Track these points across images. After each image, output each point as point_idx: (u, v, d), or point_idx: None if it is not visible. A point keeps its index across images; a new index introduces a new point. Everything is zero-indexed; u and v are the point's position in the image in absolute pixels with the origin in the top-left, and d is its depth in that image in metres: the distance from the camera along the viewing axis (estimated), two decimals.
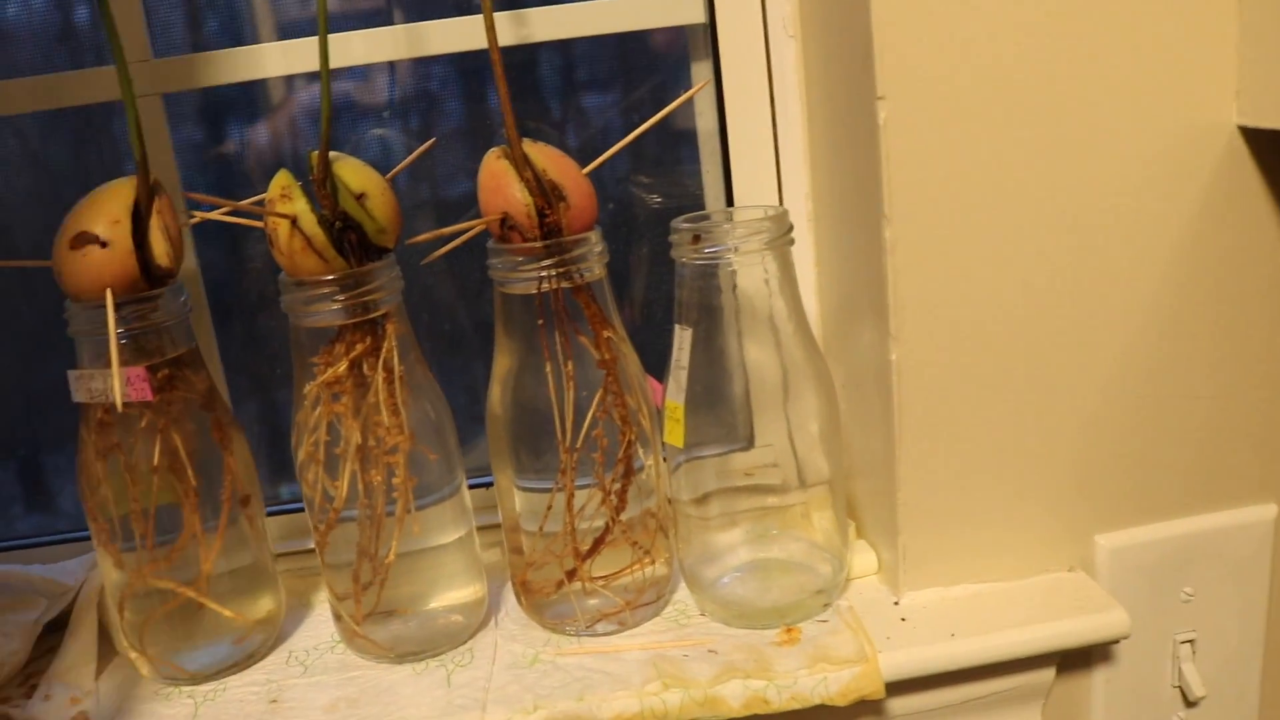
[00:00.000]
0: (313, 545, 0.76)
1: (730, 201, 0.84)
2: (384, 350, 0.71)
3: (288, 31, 0.97)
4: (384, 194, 0.70)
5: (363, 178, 0.70)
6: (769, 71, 0.80)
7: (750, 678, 0.68)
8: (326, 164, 0.68)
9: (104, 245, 0.69)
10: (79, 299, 0.70)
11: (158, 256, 0.71)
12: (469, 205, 0.81)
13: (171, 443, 0.72)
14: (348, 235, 0.69)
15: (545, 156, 0.71)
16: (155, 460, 0.72)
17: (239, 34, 0.95)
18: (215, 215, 0.74)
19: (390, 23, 0.83)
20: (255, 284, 0.96)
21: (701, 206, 0.89)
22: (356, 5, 1.05)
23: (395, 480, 0.72)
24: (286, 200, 0.68)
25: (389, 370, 0.71)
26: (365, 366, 0.71)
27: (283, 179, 0.69)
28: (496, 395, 0.75)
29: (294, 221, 0.67)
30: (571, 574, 0.74)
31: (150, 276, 0.71)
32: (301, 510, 0.90)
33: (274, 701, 0.72)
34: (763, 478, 0.80)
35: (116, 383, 0.66)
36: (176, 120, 0.90)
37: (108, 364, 0.70)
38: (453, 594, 0.76)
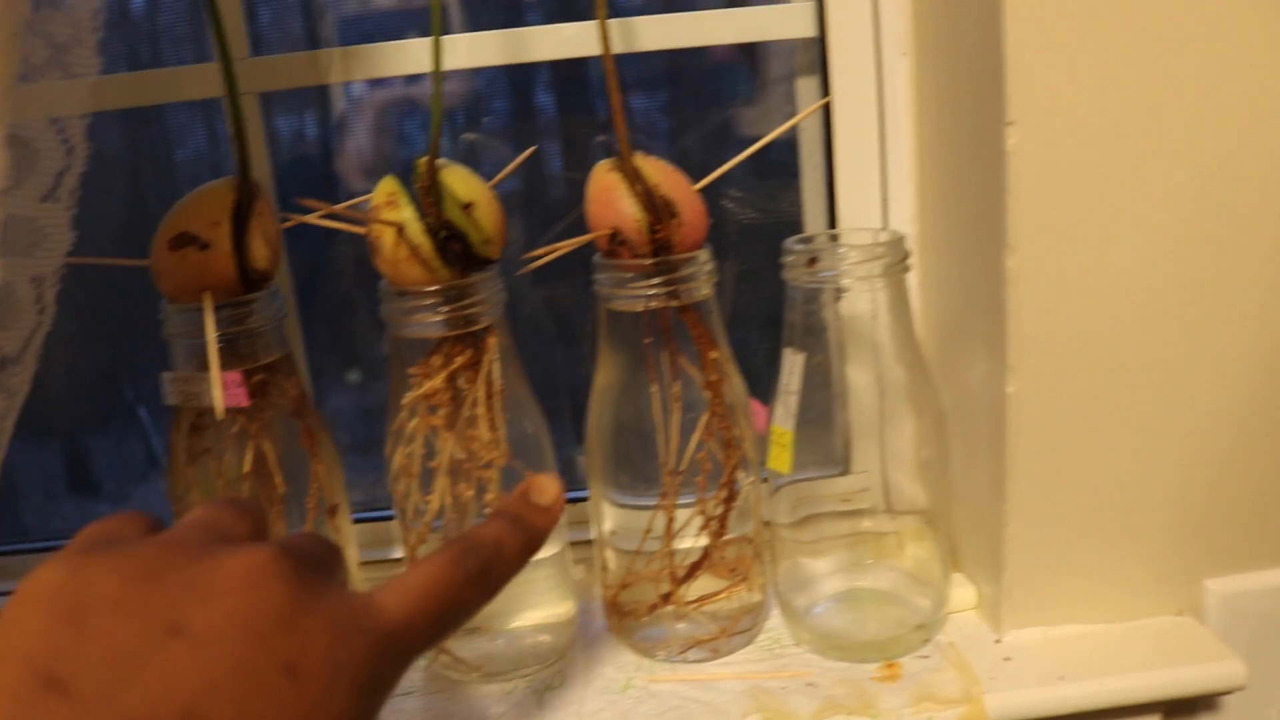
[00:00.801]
0: (399, 555, 0.74)
1: (832, 222, 0.81)
2: (484, 364, 0.68)
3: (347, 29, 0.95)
4: (490, 204, 0.67)
5: (470, 187, 0.66)
6: (879, 89, 0.76)
7: (854, 715, 0.64)
8: (434, 171, 0.65)
9: (204, 247, 0.66)
10: (176, 300, 0.67)
11: (256, 260, 0.68)
12: (512, 207, 0.77)
13: (262, 449, 0.69)
14: (452, 245, 0.66)
15: (657, 170, 0.68)
16: (247, 466, 0.69)
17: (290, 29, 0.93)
18: (313, 219, 0.71)
19: (439, 24, 0.79)
20: (338, 287, 0.93)
21: (795, 224, 0.86)
22: (410, 3, 1.03)
23: (488, 497, 0.69)
24: (392, 207, 0.65)
25: (489, 384, 0.68)
26: (464, 380, 0.68)
27: (389, 185, 0.66)
28: (597, 411, 0.72)
29: (400, 229, 0.64)
30: (667, 597, 0.71)
31: (247, 280, 0.68)
32: (384, 519, 0.87)
33: None
34: (858, 503, 0.77)
35: (217, 389, 0.63)
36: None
37: (203, 367, 0.67)
38: (542, 612, 0.73)
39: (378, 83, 0.99)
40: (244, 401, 0.66)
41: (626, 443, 0.71)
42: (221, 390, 0.64)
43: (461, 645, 0.72)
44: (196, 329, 0.66)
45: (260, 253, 0.68)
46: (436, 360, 0.68)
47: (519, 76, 1.03)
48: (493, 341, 0.68)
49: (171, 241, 0.66)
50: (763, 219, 0.89)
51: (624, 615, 0.74)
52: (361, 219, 0.66)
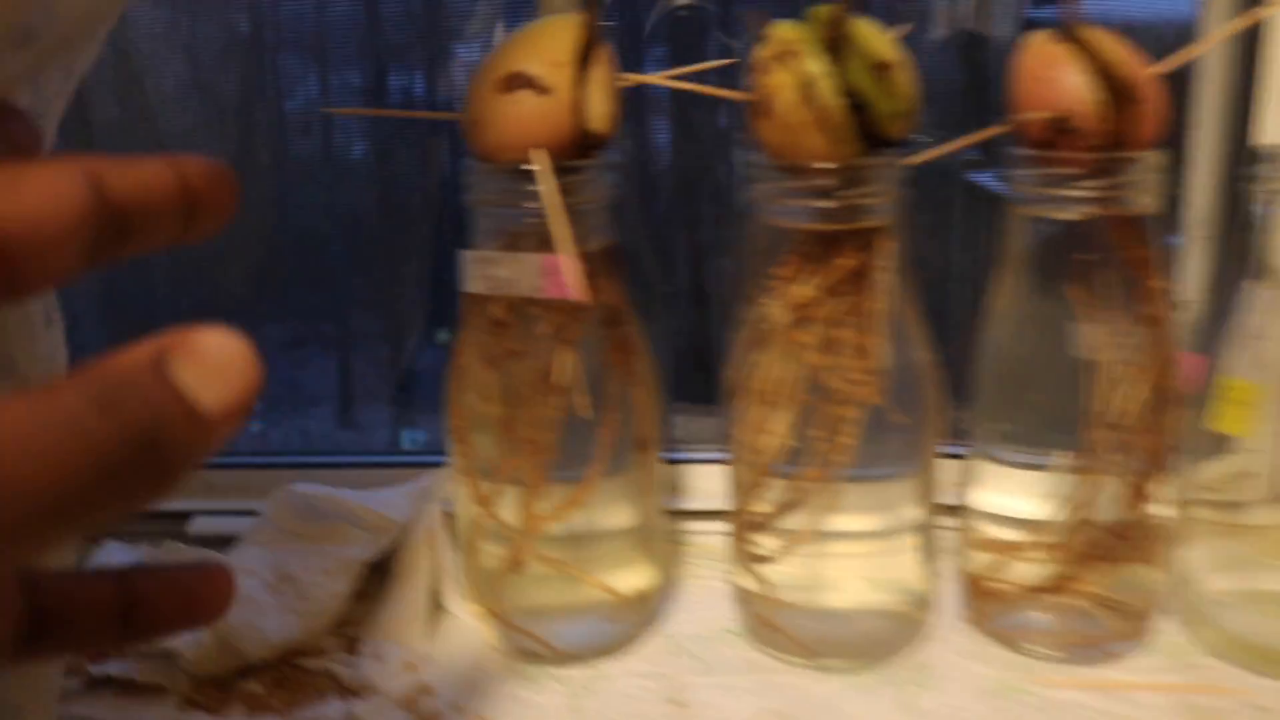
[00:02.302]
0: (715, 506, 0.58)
1: (1237, 138, 0.64)
2: (872, 273, 0.52)
3: None
4: (907, 69, 0.51)
5: (885, 44, 0.50)
6: None
7: None
8: (843, 20, 0.49)
9: (543, 92, 0.50)
10: (494, 157, 0.51)
11: (594, 119, 0.52)
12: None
13: (570, 359, 0.54)
14: (855, 115, 0.50)
15: (1113, 45, 0.51)
16: (560, 377, 0.53)
17: None
18: (660, 79, 0.55)
19: None
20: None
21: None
22: None
23: (840, 439, 0.53)
24: (792, 59, 0.49)
25: (873, 301, 0.52)
26: (841, 291, 0.52)
27: (789, 32, 0.49)
28: (995, 346, 0.56)
29: (807, 86, 0.48)
30: (1060, 581, 0.55)
31: (582, 141, 0.52)
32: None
33: (676, 704, 0.53)
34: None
35: (571, 269, 0.47)
36: None
37: (514, 246, 0.51)
38: (888, 592, 0.57)
39: None
40: (584, 295, 0.50)
41: (1027, 387, 0.55)
42: (574, 273, 0.47)
43: (791, 620, 0.56)
44: (514, 195, 0.51)
45: (601, 109, 0.52)
46: (809, 262, 0.52)
47: None
48: (885, 245, 0.52)
49: (503, 82, 0.50)
50: None
51: (990, 598, 0.58)
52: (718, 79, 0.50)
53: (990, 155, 0.70)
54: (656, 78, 0.55)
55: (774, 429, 0.54)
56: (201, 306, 0.75)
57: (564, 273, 0.50)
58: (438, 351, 0.80)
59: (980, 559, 0.57)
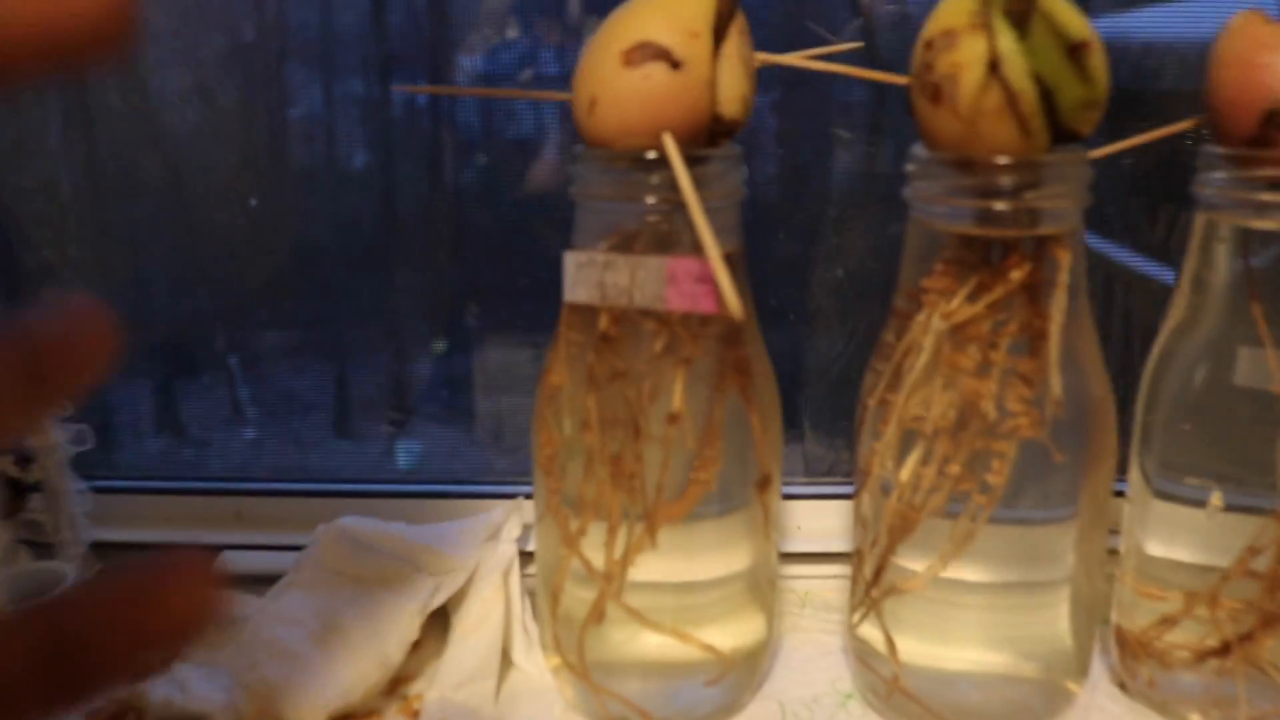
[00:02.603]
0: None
1: None
2: (1050, 288, 0.44)
3: None
4: (1101, 51, 0.43)
5: (1080, 21, 0.42)
6: None
7: None
8: None
9: (676, 66, 0.41)
10: (612, 141, 0.43)
11: (727, 101, 0.43)
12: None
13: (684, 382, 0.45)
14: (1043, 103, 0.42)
15: None
16: (677, 403, 0.45)
17: None
18: (800, 60, 0.47)
19: None
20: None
21: None
22: None
23: (989, 476, 0.45)
24: (978, 34, 0.41)
25: (1045, 320, 0.44)
26: (1009, 306, 0.44)
27: (972, 3, 0.41)
28: (1178, 368, 0.48)
29: (994, 65, 0.40)
30: (1236, 644, 0.47)
31: (712, 128, 0.44)
32: None
33: None
34: None
35: (723, 276, 0.38)
36: None
37: (625, 248, 0.43)
38: (1034, 655, 0.49)
39: None
40: (726, 308, 0.42)
41: (1206, 419, 0.47)
42: (714, 282, 0.39)
43: (921, 683, 0.48)
44: (634, 187, 0.42)
45: (736, 89, 0.44)
46: (972, 273, 0.44)
47: None
48: (1064, 256, 0.44)
49: (629, 54, 0.41)
50: None
51: (1152, 661, 0.50)
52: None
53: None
54: (795, 57, 0.47)
55: (911, 462, 0.46)
56: (198, 314, 0.67)
57: (697, 280, 0.41)
58: (436, 362, 0.73)
59: (1141, 615, 0.50)
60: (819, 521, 0.61)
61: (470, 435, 0.70)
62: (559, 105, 0.63)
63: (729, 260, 0.44)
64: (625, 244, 0.44)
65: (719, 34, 0.43)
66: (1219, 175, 0.45)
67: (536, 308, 0.64)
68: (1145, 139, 0.47)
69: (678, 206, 0.43)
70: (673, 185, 0.41)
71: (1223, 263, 0.47)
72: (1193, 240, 0.47)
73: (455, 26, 0.62)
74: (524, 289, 0.66)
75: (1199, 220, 0.47)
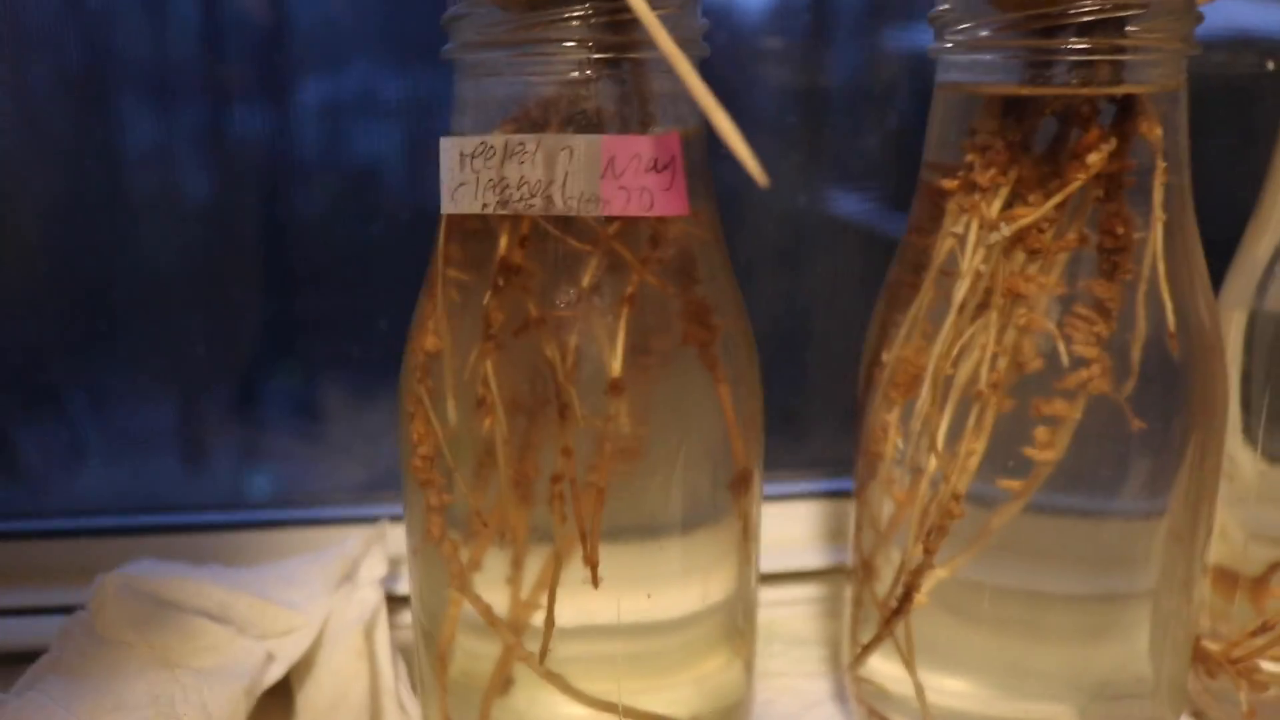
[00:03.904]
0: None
1: None
2: (1154, 176, 0.30)
3: None
4: None
5: None
6: None
7: None
8: None
9: None
10: None
11: None
12: None
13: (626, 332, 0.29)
14: None
15: None
16: (617, 364, 0.29)
17: None
18: None
19: None
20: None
21: None
22: None
23: (1037, 452, 0.31)
24: None
25: (1128, 227, 0.30)
26: (1082, 207, 0.30)
27: None
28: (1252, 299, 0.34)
29: None
30: None
31: None
32: None
33: None
34: None
35: (732, 136, 0.22)
36: None
37: (539, 126, 0.28)
38: (1097, 690, 0.35)
39: None
40: (680, 207, 0.26)
41: None
42: (738, 138, 0.23)
43: None
44: (535, 33, 0.27)
45: None
46: (1028, 158, 0.30)
47: None
48: (1158, 133, 0.30)
49: None
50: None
51: (1239, 678, 0.36)
52: None
53: None
54: None
55: (946, 434, 0.31)
56: (23, 349, 0.51)
57: (650, 168, 0.26)
58: (280, 388, 0.59)
59: (1230, 623, 0.36)
60: (779, 530, 0.45)
61: (320, 453, 0.54)
62: (403, 131, 0.50)
63: (685, 143, 0.28)
64: (533, 123, 0.28)
65: None
66: None
67: (390, 328, 0.52)
68: None
69: (611, 62, 0.27)
70: (606, 24, 0.26)
71: None
72: None
73: (295, 51, 0.51)
74: (372, 312, 0.52)
75: None
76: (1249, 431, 0.37)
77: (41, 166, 0.50)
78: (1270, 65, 0.34)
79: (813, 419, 0.51)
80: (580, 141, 0.26)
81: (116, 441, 0.54)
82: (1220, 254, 0.37)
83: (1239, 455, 0.36)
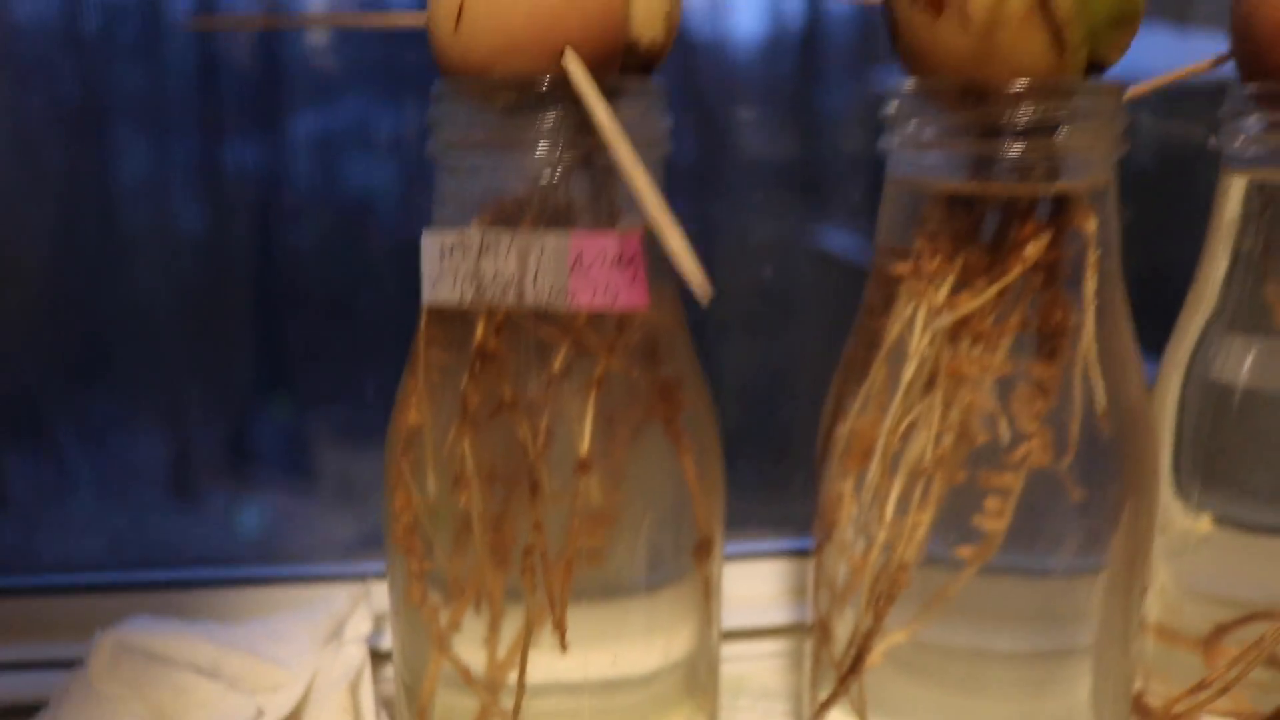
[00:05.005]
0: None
1: None
2: (1086, 264, 0.31)
3: None
4: None
5: None
6: None
7: None
8: None
9: None
10: (485, 67, 0.28)
11: (642, 21, 0.29)
12: None
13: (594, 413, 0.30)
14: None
15: None
16: (585, 443, 0.30)
17: None
18: None
19: None
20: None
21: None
22: None
23: (986, 521, 0.32)
24: None
25: (1064, 310, 0.31)
26: (1022, 292, 0.31)
27: None
28: (1204, 368, 0.36)
29: None
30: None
31: (624, 58, 0.30)
32: None
33: None
34: None
35: (680, 250, 0.23)
36: None
37: (509, 220, 0.29)
38: None
39: None
40: (641, 299, 0.28)
41: (1257, 427, 0.35)
42: (685, 249, 0.24)
43: None
44: (511, 134, 0.28)
45: (651, 10, 0.29)
46: (973, 248, 0.31)
47: None
48: (1092, 224, 0.31)
49: None
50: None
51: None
52: None
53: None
54: None
55: (896, 504, 0.32)
56: (17, 385, 0.52)
57: (616, 263, 0.27)
58: (272, 424, 0.60)
59: (1169, 678, 0.37)
60: (749, 587, 0.46)
61: (312, 500, 0.55)
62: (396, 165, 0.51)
63: (649, 236, 0.29)
64: (508, 218, 0.29)
65: None
66: (1234, 124, 0.33)
67: (379, 365, 0.52)
68: (1176, 76, 0.34)
69: (581, 161, 0.28)
70: (577, 127, 0.27)
71: (1251, 231, 0.35)
72: (1223, 208, 0.35)
73: (289, 86, 0.51)
74: (366, 348, 0.53)
75: (1233, 183, 0.34)
76: (1181, 489, 0.38)
77: (36, 199, 0.50)
78: (1211, 139, 0.36)
79: (784, 478, 0.52)
80: (550, 239, 0.27)
81: (108, 477, 0.54)
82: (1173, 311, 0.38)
83: (1173, 511, 0.37)
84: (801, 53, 0.52)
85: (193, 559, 0.49)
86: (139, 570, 0.45)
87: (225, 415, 0.56)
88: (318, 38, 0.49)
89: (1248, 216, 0.35)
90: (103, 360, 0.54)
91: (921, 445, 0.31)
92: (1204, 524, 0.38)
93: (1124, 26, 0.29)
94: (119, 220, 0.54)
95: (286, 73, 0.53)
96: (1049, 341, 0.31)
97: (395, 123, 0.52)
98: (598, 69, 0.27)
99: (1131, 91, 0.31)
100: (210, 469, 0.55)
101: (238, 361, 0.55)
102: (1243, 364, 0.36)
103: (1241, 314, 0.36)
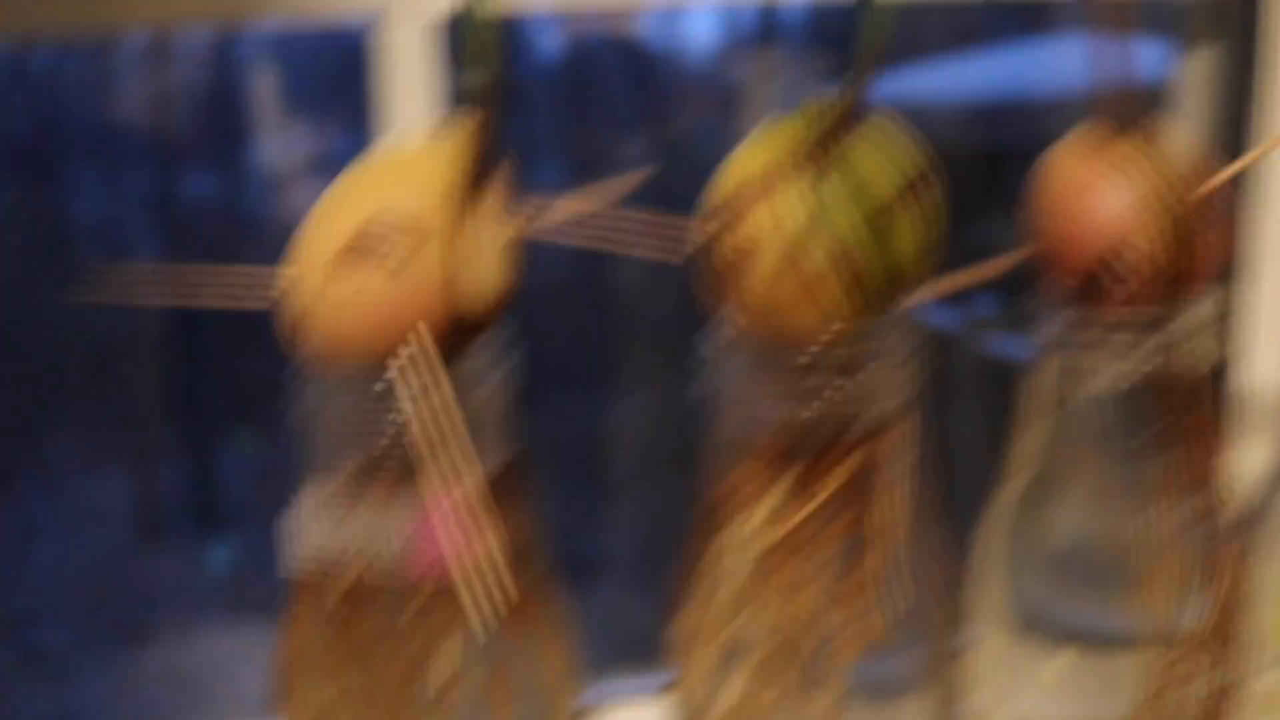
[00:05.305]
0: None
1: None
2: (886, 474, 0.34)
3: None
4: (924, 201, 0.33)
5: (889, 175, 0.33)
6: None
7: None
8: (832, 139, 0.31)
9: (407, 254, 0.30)
10: (334, 352, 0.31)
11: (475, 297, 0.32)
12: None
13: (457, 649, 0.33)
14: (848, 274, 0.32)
15: (1173, 155, 0.36)
16: (449, 670, 0.33)
17: None
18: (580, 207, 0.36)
19: None
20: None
21: None
22: None
23: (822, 696, 0.36)
24: (780, 190, 0.31)
25: (884, 512, 0.35)
26: (840, 503, 0.35)
27: (766, 151, 0.31)
28: (1022, 523, 0.40)
29: (794, 245, 0.30)
30: None
31: (455, 331, 0.32)
32: None
33: None
34: None
35: (471, 533, 0.26)
36: None
37: (365, 481, 0.31)
38: None
39: None
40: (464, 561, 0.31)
41: (1068, 573, 0.39)
42: (481, 540, 0.27)
43: None
44: (369, 407, 0.31)
45: (484, 278, 0.32)
46: (793, 470, 0.34)
47: None
48: (898, 436, 0.34)
49: (346, 252, 0.30)
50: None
51: None
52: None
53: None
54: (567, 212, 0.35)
55: (738, 688, 0.36)
56: None
57: (450, 528, 0.30)
58: (241, 461, 0.62)
59: None
60: None
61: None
62: None
63: (502, 476, 0.33)
64: (366, 472, 0.32)
65: (463, 207, 0.31)
66: (1054, 330, 0.36)
67: None
68: (976, 276, 0.38)
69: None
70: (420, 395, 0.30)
71: (1060, 417, 0.38)
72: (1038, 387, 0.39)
73: (243, 119, 0.53)
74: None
75: (1048, 365, 0.38)
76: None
77: None
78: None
79: None
80: (399, 505, 0.30)
81: (68, 516, 0.56)
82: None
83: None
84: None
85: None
86: None
87: (193, 454, 0.57)
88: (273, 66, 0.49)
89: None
90: (63, 401, 0.55)
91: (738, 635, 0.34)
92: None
93: (913, 271, 0.33)
94: (75, 257, 0.55)
95: (241, 103, 0.53)
96: (875, 540, 0.35)
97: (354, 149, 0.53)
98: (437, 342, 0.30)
99: (932, 292, 0.35)
100: (178, 513, 0.57)
101: (201, 396, 0.56)
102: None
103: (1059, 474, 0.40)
